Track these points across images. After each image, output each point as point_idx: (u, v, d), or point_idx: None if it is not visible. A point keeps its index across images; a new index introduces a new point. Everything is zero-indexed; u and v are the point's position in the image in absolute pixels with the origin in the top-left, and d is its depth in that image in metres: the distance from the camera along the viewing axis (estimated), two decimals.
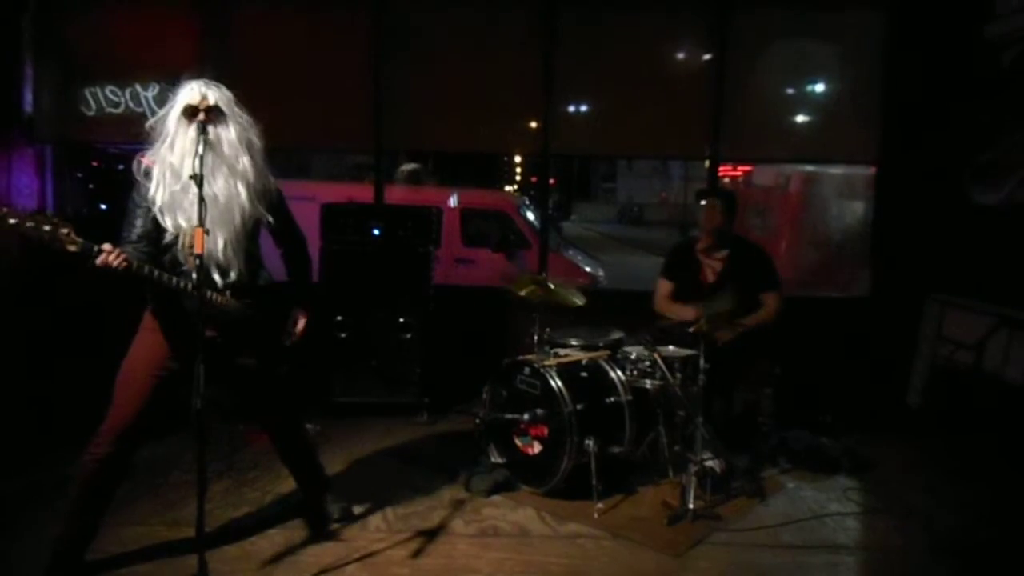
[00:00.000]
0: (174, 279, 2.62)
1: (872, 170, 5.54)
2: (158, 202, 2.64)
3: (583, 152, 7.09)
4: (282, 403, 3.17)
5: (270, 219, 2.87)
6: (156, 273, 2.58)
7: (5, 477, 3.65)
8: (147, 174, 2.66)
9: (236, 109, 2.73)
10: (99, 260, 2.42)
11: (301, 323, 3.05)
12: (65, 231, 2.36)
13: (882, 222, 5.38)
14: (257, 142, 2.78)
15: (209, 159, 2.54)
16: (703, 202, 4.28)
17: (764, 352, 4.10)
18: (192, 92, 2.63)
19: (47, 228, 2.34)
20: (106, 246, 2.45)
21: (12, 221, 2.29)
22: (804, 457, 4.15)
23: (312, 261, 3.20)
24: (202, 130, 2.52)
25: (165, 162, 2.63)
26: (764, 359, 4.11)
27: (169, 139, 2.63)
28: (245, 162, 2.72)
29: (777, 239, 8.63)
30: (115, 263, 2.44)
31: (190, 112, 2.59)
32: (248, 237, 2.80)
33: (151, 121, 2.70)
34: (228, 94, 2.73)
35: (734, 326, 3.89)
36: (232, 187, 2.69)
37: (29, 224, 2.32)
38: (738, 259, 4.19)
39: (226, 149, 2.67)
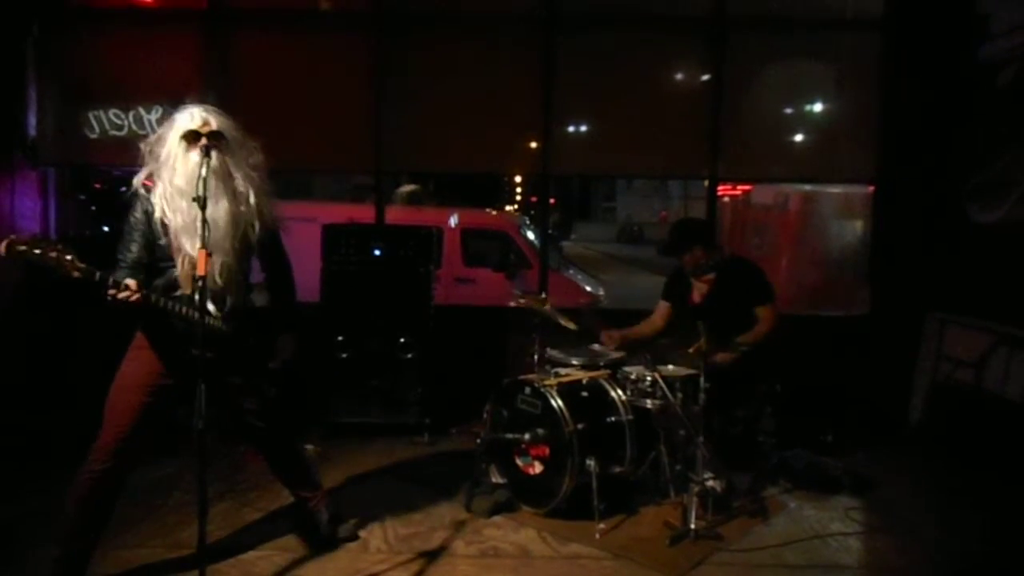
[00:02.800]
0: (183, 307, 2.67)
1: (870, 189, 5.57)
2: (173, 225, 2.68)
3: (582, 172, 7.12)
4: (272, 422, 3.16)
5: (267, 242, 2.91)
6: (169, 304, 2.65)
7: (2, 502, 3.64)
8: (147, 193, 2.70)
9: (237, 134, 2.78)
10: (120, 295, 2.52)
11: (290, 347, 3.07)
12: (69, 258, 2.45)
13: (881, 240, 5.41)
14: (260, 166, 2.82)
15: (212, 183, 2.58)
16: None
17: (764, 371, 4.10)
18: (193, 117, 2.68)
19: (52, 255, 2.43)
20: (130, 282, 2.54)
21: (21, 248, 2.38)
22: (805, 476, 4.14)
23: (296, 286, 3.20)
24: (205, 154, 2.55)
25: (172, 185, 2.67)
26: (764, 378, 4.11)
27: (171, 162, 2.68)
28: (247, 186, 2.77)
29: (777, 258, 8.64)
30: (132, 299, 2.53)
31: (192, 137, 2.63)
32: (242, 261, 2.85)
33: (148, 140, 2.74)
34: (229, 120, 2.77)
35: (734, 347, 3.89)
36: (233, 211, 2.73)
37: (36, 252, 2.40)
38: (725, 280, 4.20)
39: (228, 173, 2.72)
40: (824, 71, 5.46)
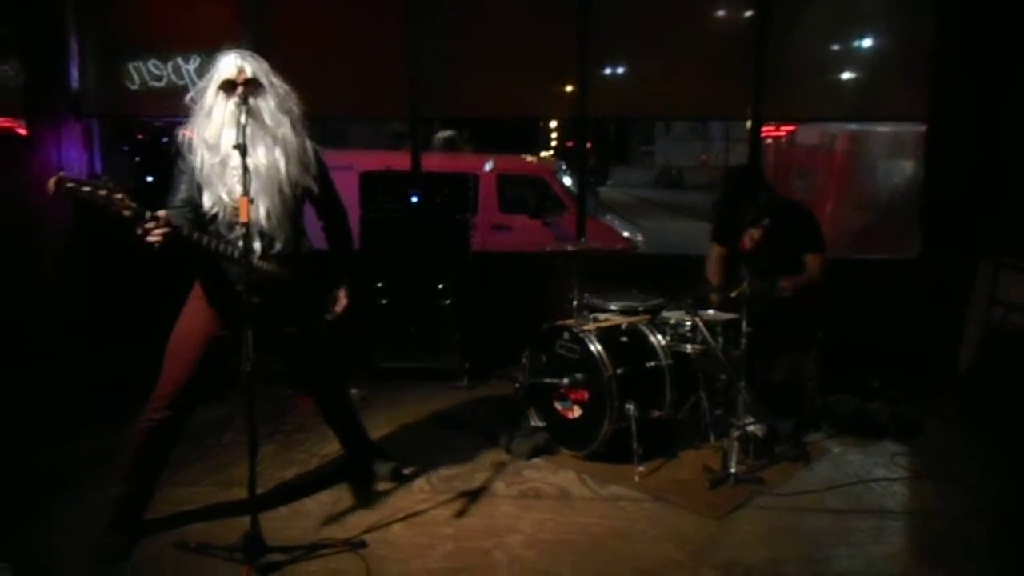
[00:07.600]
0: (222, 244, 2.67)
1: (923, 127, 5.35)
2: (198, 175, 2.70)
3: (621, 114, 6.97)
4: (326, 369, 3.24)
5: (313, 188, 2.90)
6: (205, 240, 2.63)
7: (51, 446, 3.77)
8: (188, 145, 2.71)
9: (274, 79, 2.76)
10: (148, 226, 2.47)
11: (343, 298, 3.07)
12: (119, 196, 2.43)
13: (933, 181, 5.20)
14: (296, 110, 2.81)
15: (250, 130, 2.58)
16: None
17: (809, 315, 4.03)
18: (229, 66, 2.66)
19: (102, 193, 2.41)
20: (160, 213, 2.50)
21: (70, 186, 2.37)
22: (850, 422, 4.09)
23: (353, 232, 3.21)
24: (243, 101, 2.55)
25: (201, 136, 2.68)
26: (809, 322, 4.04)
27: (206, 112, 2.68)
28: (285, 131, 2.76)
29: (822, 200, 8.41)
30: (160, 233, 2.47)
31: (228, 86, 2.63)
32: (291, 207, 2.83)
33: (191, 93, 2.75)
34: (265, 64, 2.75)
35: (777, 291, 3.80)
36: (273, 157, 2.72)
37: (85, 189, 2.39)
38: (778, 227, 4.07)
39: (266, 119, 2.71)
40: (875, 2, 5.21)
